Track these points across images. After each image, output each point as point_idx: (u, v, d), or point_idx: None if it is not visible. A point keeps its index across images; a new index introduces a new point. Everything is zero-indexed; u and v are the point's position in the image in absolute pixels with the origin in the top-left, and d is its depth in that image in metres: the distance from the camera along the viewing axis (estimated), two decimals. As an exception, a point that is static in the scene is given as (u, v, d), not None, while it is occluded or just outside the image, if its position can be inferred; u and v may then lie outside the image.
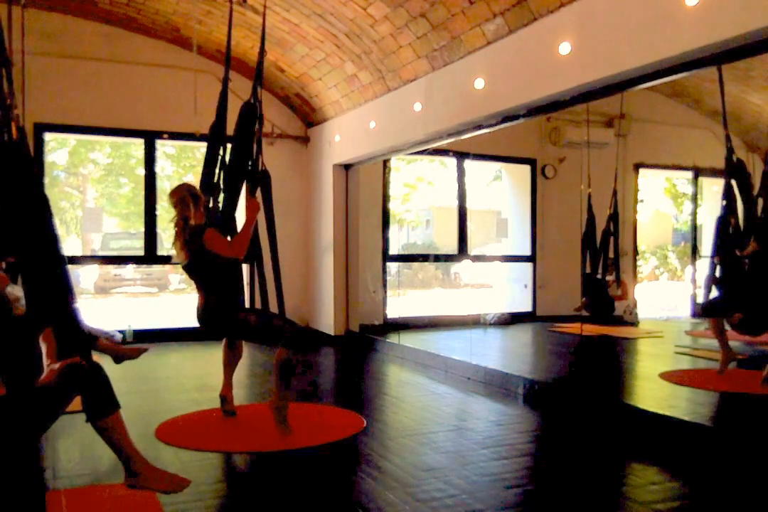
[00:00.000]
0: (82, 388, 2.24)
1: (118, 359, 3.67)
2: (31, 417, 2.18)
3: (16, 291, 2.71)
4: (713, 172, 5.77)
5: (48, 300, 2.31)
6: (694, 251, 6.99)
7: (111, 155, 16.85)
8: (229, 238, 3.72)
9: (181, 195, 3.59)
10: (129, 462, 2.32)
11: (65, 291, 2.31)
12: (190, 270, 3.68)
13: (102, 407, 2.27)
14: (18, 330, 2.55)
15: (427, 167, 10.73)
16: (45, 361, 2.34)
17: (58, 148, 16.14)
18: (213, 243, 3.48)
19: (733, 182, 4.47)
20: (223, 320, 3.65)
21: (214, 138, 3.86)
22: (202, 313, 3.68)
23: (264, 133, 3.51)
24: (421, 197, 13.52)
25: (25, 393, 2.23)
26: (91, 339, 3.62)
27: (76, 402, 2.27)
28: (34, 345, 2.42)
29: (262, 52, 3.88)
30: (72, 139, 14.91)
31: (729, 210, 4.47)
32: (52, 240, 2.32)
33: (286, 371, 3.50)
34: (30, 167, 2.40)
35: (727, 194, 4.46)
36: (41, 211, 2.31)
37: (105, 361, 4.10)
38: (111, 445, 2.31)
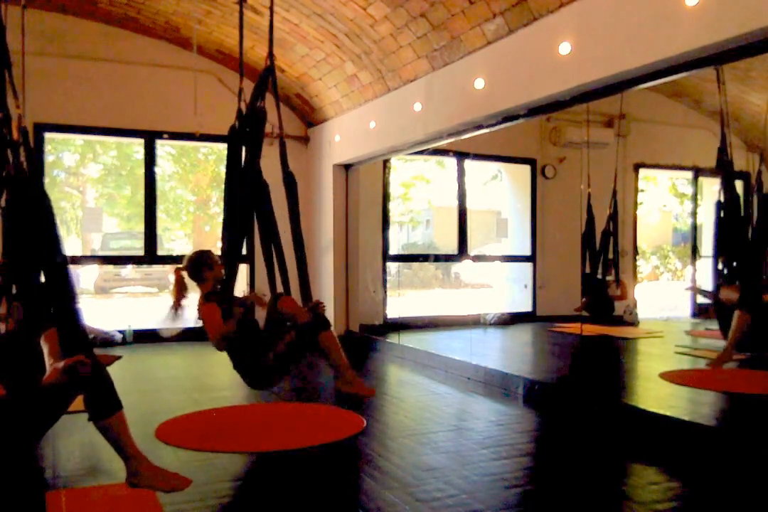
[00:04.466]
0: (85, 387, 2.25)
1: None
2: (34, 416, 2.18)
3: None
4: (713, 172, 5.78)
5: (52, 301, 2.32)
6: (694, 251, 6.98)
7: (117, 157, 16.83)
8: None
9: (182, 272, 3.53)
10: (130, 461, 2.34)
11: (69, 292, 2.32)
12: None
13: (105, 406, 2.29)
14: (16, 333, 2.55)
15: (425, 166, 10.72)
16: (48, 361, 2.35)
17: (63, 150, 16.15)
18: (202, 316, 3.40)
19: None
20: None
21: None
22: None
23: (264, 134, 3.49)
24: (420, 195, 13.49)
25: (28, 392, 2.24)
26: None
27: (78, 402, 2.27)
28: (33, 346, 2.42)
29: None
30: (79, 140, 14.90)
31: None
32: (55, 240, 2.33)
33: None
34: (32, 168, 2.41)
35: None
36: (44, 212, 2.32)
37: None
38: (113, 444, 2.33)
